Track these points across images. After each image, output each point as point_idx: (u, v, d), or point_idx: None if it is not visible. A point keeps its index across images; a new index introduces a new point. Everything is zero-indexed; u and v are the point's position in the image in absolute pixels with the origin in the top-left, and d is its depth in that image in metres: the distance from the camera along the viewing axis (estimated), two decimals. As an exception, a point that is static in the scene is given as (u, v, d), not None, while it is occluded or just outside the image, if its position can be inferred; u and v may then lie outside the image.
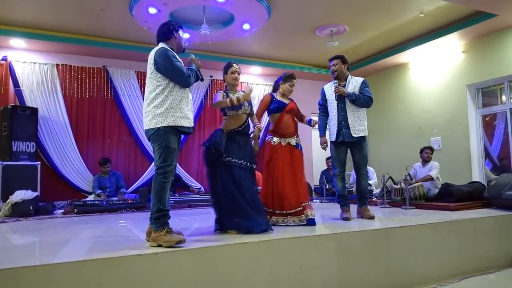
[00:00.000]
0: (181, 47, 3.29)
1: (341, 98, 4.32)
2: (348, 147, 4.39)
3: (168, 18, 6.03)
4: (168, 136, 2.96)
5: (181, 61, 3.11)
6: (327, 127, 4.49)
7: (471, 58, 7.19)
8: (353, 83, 4.38)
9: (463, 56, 7.32)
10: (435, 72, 7.88)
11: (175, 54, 3.13)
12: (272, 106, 4.06)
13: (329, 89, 4.46)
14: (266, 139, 4.06)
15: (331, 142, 4.43)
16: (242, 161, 3.52)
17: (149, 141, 3.11)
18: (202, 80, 3.28)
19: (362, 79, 4.44)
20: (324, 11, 6.28)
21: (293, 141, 3.99)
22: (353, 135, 4.24)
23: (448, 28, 6.86)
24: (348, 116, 4.27)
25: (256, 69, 8.77)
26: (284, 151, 3.92)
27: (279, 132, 3.99)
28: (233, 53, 8.06)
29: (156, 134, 2.98)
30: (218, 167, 3.49)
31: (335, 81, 4.38)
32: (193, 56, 3.32)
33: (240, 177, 3.45)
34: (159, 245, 2.79)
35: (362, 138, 4.31)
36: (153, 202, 2.96)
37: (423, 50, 7.66)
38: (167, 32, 3.19)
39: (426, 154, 6.29)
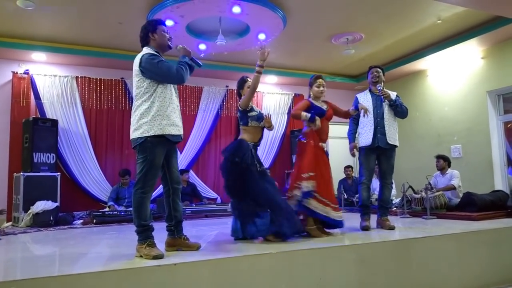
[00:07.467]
0: (164, 45, 3.09)
1: (379, 105, 4.33)
2: (378, 156, 4.38)
3: (184, 30, 6.11)
4: (154, 150, 2.87)
5: (166, 60, 2.97)
6: (357, 134, 4.49)
7: (491, 64, 7.06)
8: None
9: (482, 62, 7.19)
10: (454, 78, 7.75)
11: (160, 55, 3.01)
12: (312, 112, 3.91)
13: (363, 97, 4.48)
14: (301, 140, 3.94)
15: (363, 148, 4.40)
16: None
17: (133, 149, 2.99)
18: (199, 66, 3.09)
19: (395, 93, 4.48)
20: (340, 20, 6.27)
21: (324, 147, 3.94)
22: (389, 141, 4.26)
23: (466, 34, 6.76)
24: (385, 123, 4.30)
25: (272, 78, 8.78)
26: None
27: (316, 137, 3.90)
28: (249, 63, 8.06)
29: (142, 146, 2.88)
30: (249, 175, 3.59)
31: (371, 88, 4.45)
32: (180, 46, 3.10)
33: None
34: (141, 256, 2.84)
35: (394, 147, 4.34)
36: (134, 217, 2.95)
37: (442, 57, 7.54)
38: (144, 36, 3.09)
39: (437, 163, 6.26)
